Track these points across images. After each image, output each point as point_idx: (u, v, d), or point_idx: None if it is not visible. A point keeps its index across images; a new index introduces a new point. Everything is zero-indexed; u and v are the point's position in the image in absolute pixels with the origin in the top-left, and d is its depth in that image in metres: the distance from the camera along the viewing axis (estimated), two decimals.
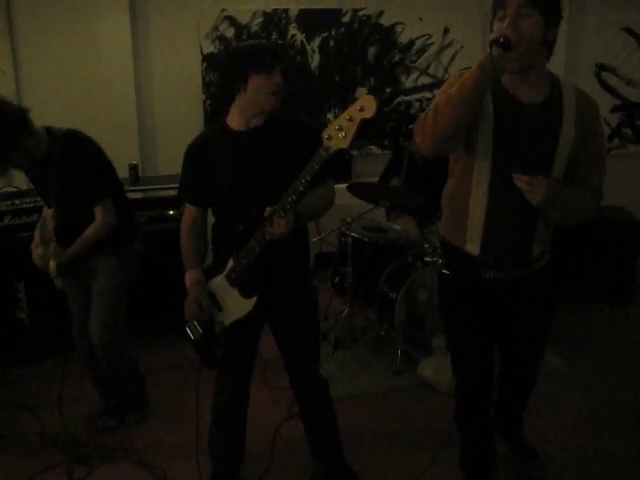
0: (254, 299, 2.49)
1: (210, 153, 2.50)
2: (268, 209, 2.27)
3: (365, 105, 2.07)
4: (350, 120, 2.10)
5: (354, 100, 2.13)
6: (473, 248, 2.40)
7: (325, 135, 2.14)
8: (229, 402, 2.87)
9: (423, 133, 2.21)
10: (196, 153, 2.53)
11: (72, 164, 3.01)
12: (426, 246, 4.07)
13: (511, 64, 2.04)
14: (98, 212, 3.09)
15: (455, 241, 2.48)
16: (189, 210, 2.65)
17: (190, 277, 2.59)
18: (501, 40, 1.95)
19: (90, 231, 3.09)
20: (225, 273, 2.54)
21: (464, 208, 2.39)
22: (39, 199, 4.04)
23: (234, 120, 2.48)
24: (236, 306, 2.53)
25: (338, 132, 2.12)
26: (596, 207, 2.38)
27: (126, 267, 3.32)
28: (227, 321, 2.56)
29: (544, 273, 2.51)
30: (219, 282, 2.57)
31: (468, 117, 2.12)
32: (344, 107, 5.86)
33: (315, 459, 2.97)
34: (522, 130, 2.23)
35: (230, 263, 2.50)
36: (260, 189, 2.43)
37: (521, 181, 2.21)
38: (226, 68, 2.44)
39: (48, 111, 5.17)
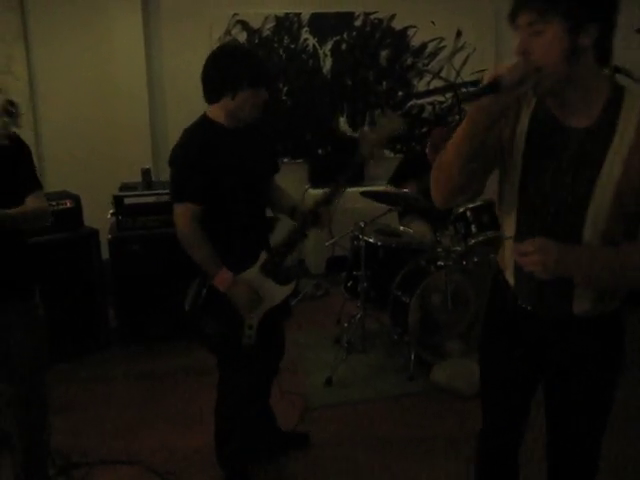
0: (292, 285, 2.75)
1: (216, 150, 2.53)
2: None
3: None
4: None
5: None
6: (510, 278, 1.97)
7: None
8: (254, 397, 2.90)
9: (434, 189, 1.92)
10: (204, 152, 2.52)
11: None
12: (439, 250, 4.05)
13: (541, 87, 1.65)
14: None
15: (500, 261, 2.05)
16: (191, 210, 2.54)
17: (226, 276, 2.57)
18: (483, 86, 1.62)
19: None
20: (259, 265, 2.64)
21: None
22: (53, 203, 4.08)
23: (221, 118, 2.57)
24: (272, 295, 2.68)
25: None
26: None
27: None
28: (263, 310, 2.67)
29: (601, 322, 1.88)
30: (253, 275, 2.64)
31: (472, 169, 1.78)
32: (356, 111, 5.92)
33: None
34: (557, 162, 1.75)
35: (263, 256, 2.65)
36: (260, 183, 2.69)
37: (516, 253, 1.73)
38: (220, 69, 2.51)
39: (61, 115, 5.24)
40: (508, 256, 1.93)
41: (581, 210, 1.72)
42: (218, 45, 2.83)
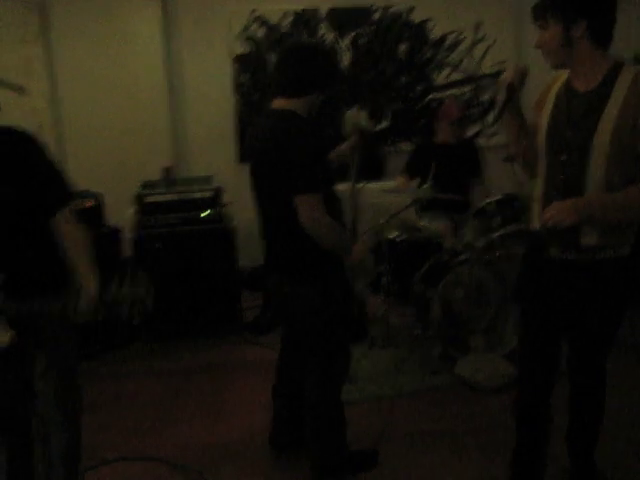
0: None
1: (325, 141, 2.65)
2: None
3: None
4: None
5: None
6: (536, 224, 2.48)
7: None
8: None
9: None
10: (324, 143, 2.62)
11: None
12: (461, 244, 4.03)
13: (551, 62, 2.37)
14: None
15: (530, 219, 2.59)
16: (321, 198, 2.48)
17: (361, 247, 2.76)
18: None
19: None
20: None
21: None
22: (76, 202, 4.10)
23: (304, 113, 2.59)
24: None
25: None
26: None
27: None
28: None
29: (610, 267, 2.38)
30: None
31: (514, 128, 2.51)
32: (375, 105, 5.89)
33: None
34: (569, 118, 2.35)
35: None
36: None
37: (542, 222, 2.28)
38: (320, 66, 2.60)
39: (82, 114, 5.27)
40: (536, 210, 2.47)
41: (583, 159, 2.28)
42: (307, 41, 3.08)
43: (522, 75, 2.44)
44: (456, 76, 5.98)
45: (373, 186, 4.23)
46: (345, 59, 5.76)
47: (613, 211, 2.27)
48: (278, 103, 2.58)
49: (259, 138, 2.59)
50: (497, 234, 3.92)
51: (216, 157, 5.55)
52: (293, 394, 3.00)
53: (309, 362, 2.78)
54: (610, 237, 2.34)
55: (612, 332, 2.50)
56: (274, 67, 2.64)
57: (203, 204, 4.40)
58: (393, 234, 4.15)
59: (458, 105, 4.89)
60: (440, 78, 5.97)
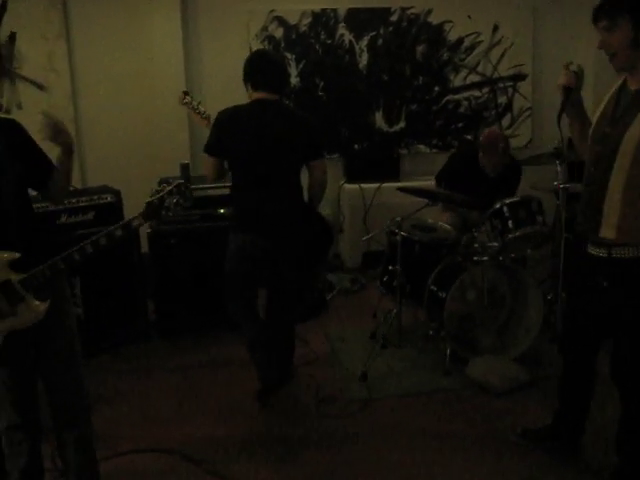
0: None
1: None
2: None
3: None
4: None
5: None
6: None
7: None
8: None
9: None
10: None
11: None
12: (475, 245, 4.04)
13: (615, 67, 2.45)
14: None
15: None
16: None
17: None
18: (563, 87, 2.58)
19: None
20: None
21: None
22: (95, 197, 4.16)
23: None
24: None
25: None
26: None
27: None
28: None
29: (629, 266, 2.47)
30: None
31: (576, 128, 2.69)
32: (392, 106, 5.92)
33: None
34: (614, 114, 2.46)
35: None
36: None
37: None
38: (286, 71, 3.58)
39: (102, 111, 5.33)
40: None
41: (614, 153, 2.37)
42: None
43: (577, 76, 2.55)
44: (473, 78, 5.99)
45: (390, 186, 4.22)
46: (363, 60, 5.79)
47: None
48: (260, 95, 3.31)
49: (264, 122, 3.27)
50: (511, 236, 3.91)
51: None
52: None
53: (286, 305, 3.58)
54: (628, 234, 2.42)
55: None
56: (255, 67, 3.32)
57: (220, 201, 4.42)
58: (408, 233, 4.15)
59: (499, 135, 4.50)
60: (457, 80, 5.99)
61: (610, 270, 2.53)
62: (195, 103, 3.57)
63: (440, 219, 4.44)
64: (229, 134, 3.30)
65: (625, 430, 2.69)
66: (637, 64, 2.37)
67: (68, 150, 2.39)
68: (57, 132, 2.32)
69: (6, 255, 2.21)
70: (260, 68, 3.32)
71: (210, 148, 3.33)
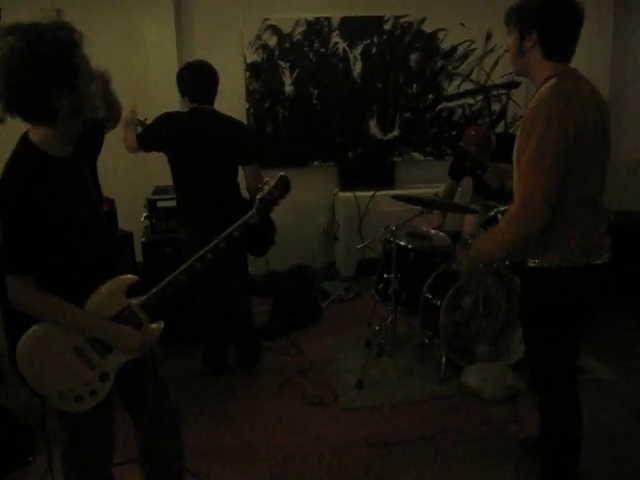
0: None
1: None
2: None
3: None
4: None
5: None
6: None
7: None
8: None
9: None
10: None
11: None
12: None
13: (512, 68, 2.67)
14: None
15: None
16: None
17: None
18: None
19: None
20: None
21: None
22: None
23: None
24: None
25: None
26: (510, 241, 2.41)
27: None
28: None
29: (529, 275, 2.56)
30: None
31: None
32: (386, 114, 5.93)
33: None
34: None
35: None
36: None
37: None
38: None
39: None
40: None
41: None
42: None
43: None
44: (467, 86, 6.01)
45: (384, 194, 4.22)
46: (357, 68, 5.80)
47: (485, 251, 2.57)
48: (197, 105, 3.75)
49: (206, 129, 3.69)
50: None
51: None
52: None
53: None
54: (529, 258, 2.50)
55: (538, 340, 2.58)
56: (190, 82, 3.79)
57: None
58: (403, 241, 4.16)
59: (482, 131, 4.43)
60: (451, 88, 6.00)
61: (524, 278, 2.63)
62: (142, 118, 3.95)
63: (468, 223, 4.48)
64: (167, 135, 3.74)
65: (542, 438, 2.71)
66: (529, 71, 2.52)
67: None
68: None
69: (123, 279, 2.18)
70: (194, 83, 3.77)
71: (143, 141, 3.87)
